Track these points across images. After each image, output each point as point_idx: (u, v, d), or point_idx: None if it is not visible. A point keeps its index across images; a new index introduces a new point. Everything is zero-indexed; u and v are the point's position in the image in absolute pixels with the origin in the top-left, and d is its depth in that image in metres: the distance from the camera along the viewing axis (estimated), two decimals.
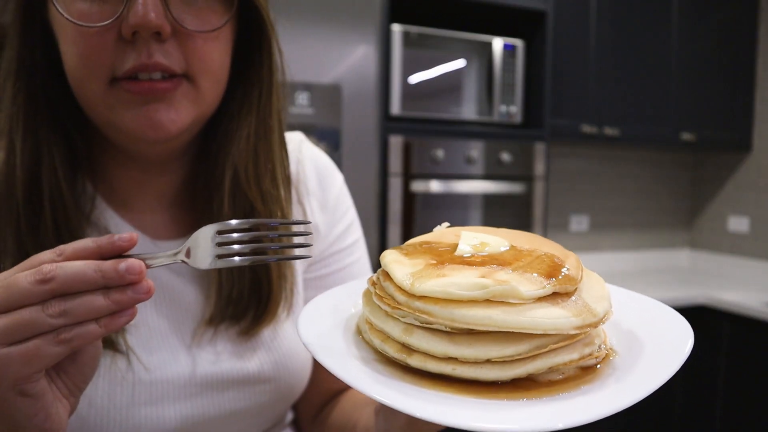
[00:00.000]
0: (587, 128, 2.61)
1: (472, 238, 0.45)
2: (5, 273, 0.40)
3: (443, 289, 0.39)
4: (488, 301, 0.38)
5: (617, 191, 3.20)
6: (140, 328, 0.61)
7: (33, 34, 0.56)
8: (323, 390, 0.73)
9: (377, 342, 0.42)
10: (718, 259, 3.19)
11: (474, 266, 0.41)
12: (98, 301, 0.38)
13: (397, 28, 2.15)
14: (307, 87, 1.92)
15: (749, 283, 2.87)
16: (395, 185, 2.10)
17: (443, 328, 0.39)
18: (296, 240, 0.66)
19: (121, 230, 0.63)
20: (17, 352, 0.37)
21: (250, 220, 0.44)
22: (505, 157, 2.31)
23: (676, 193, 3.38)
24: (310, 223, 0.50)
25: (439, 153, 2.19)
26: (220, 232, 0.42)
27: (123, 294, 0.39)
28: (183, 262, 0.42)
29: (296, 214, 0.70)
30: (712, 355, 2.58)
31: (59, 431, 0.41)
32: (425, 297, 0.39)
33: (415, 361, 0.40)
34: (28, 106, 0.56)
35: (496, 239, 0.45)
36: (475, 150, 2.27)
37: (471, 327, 0.38)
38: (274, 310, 0.65)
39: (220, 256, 0.42)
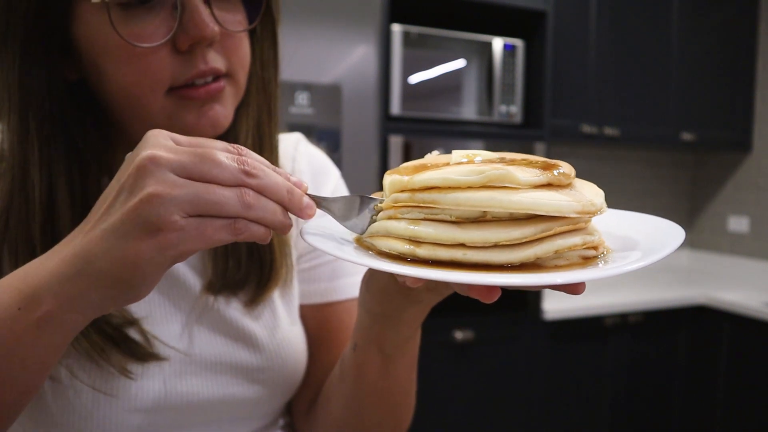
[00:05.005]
0: (587, 128, 2.61)
1: (464, 152, 0.46)
2: (171, 140, 0.40)
3: (441, 176, 0.40)
4: (485, 187, 0.39)
5: (617, 191, 3.20)
6: (140, 305, 0.62)
7: (50, 57, 0.54)
8: (316, 381, 0.74)
9: (382, 242, 0.42)
10: (718, 259, 3.19)
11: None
12: (279, 214, 0.41)
13: (397, 28, 2.15)
14: (307, 87, 1.92)
15: (749, 283, 2.87)
16: None
17: (449, 218, 0.40)
18: None
19: None
20: (196, 228, 0.38)
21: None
22: None
23: (676, 193, 3.38)
24: None
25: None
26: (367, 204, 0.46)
27: (293, 218, 0.42)
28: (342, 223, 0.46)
29: None
30: (712, 355, 2.58)
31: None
32: (427, 189, 0.40)
33: (424, 251, 0.40)
34: (42, 133, 0.54)
35: (487, 152, 0.47)
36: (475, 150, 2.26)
37: (476, 208, 0.39)
38: (277, 276, 0.66)
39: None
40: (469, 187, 0.39)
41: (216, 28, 0.54)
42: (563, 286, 0.36)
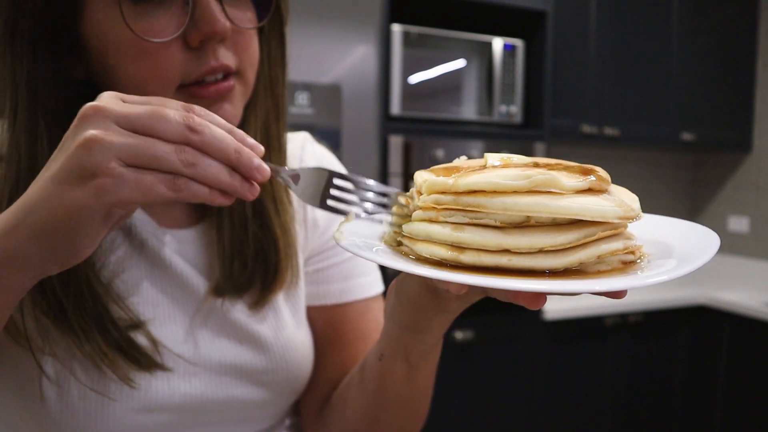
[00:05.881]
0: (587, 128, 2.61)
1: (498, 155, 0.46)
2: (139, 98, 0.41)
3: (488, 180, 0.39)
4: (531, 192, 0.39)
5: None
6: (145, 307, 0.62)
7: (59, 55, 0.54)
8: (326, 382, 0.74)
9: (424, 248, 0.42)
10: (718, 259, 3.19)
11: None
12: (224, 175, 0.40)
13: (397, 28, 2.15)
14: (307, 87, 1.92)
15: (749, 283, 2.87)
16: (395, 185, 2.10)
17: (493, 223, 0.40)
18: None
19: (135, 219, 0.62)
20: (133, 178, 0.38)
21: (355, 176, 0.47)
22: None
23: (676, 193, 3.38)
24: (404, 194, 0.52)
25: (439, 153, 2.19)
26: (331, 180, 0.45)
27: (242, 183, 0.41)
28: (292, 187, 0.45)
29: (297, 209, 0.72)
30: (712, 355, 2.58)
31: (75, 264, 0.42)
32: (471, 193, 0.40)
33: (468, 257, 0.39)
34: (51, 137, 0.54)
35: (521, 156, 0.46)
36: (475, 150, 2.27)
37: (523, 213, 0.39)
38: (281, 279, 0.66)
39: (325, 200, 0.45)
40: (515, 192, 0.39)
41: (227, 23, 0.54)
42: (608, 292, 0.37)
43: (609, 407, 2.55)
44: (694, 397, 2.66)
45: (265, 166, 0.42)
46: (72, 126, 0.39)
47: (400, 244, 0.45)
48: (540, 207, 0.38)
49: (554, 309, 2.35)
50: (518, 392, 2.37)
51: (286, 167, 0.45)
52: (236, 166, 0.41)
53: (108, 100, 0.40)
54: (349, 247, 0.42)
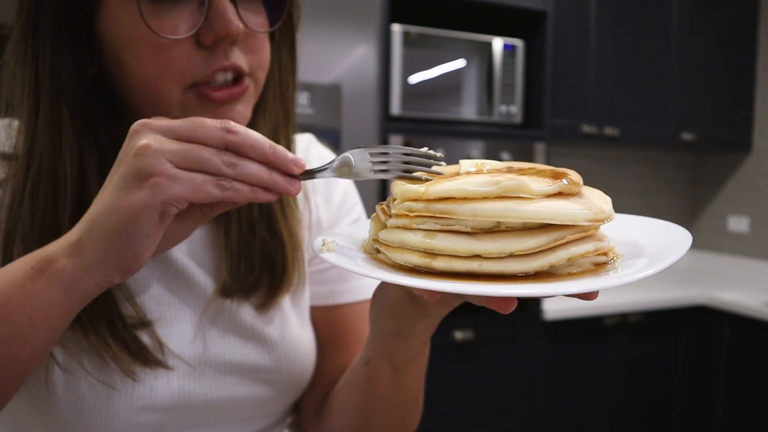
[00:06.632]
0: (587, 128, 2.61)
1: (472, 162, 0.47)
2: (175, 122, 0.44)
3: (458, 187, 0.40)
4: (500, 198, 0.40)
5: (617, 191, 3.20)
6: (153, 306, 0.62)
7: (78, 48, 0.56)
8: (327, 381, 0.74)
9: (397, 255, 0.42)
10: (718, 259, 3.19)
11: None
12: (263, 171, 0.44)
13: (397, 28, 2.16)
14: (307, 87, 1.92)
15: (749, 283, 2.87)
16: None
17: (464, 229, 0.40)
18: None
19: None
20: (185, 177, 0.42)
21: (391, 146, 0.49)
22: (506, 157, 2.31)
23: (676, 193, 3.38)
24: (442, 156, 0.53)
25: (439, 153, 2.19)
26: (371, 153, 0.48)
27: (281, 178, 0.45)
28: (340, 176, 0.47)
29: (302, 210, 0.72)
30: (712, 355, 2.58)
31: (136, 270, 0.45)
32: (442, 200, 0.41)
33: (440, 263, 0.40)
34: (74, 127, 0.55)
35: (495, 162, 0.47)
36: (475, 150, 2.27)
37: (493, 219, 0.39)
38: (288, 282, 0.67)
39: (375, 171, 0.47)
40: (485, 198, 0.40)
41: (240, 25, 0.55)
42: (578, 294, 0.37)
43: (609, 407, 2.56)
44: (694, 397, 2.66)
45: (301, 159, 0.45)
46: (125, 142, 0.44)
47: (378, 251, 0.45)
48: (509, 212, 0.39)
49: (554, 309, 2.35)
50: (518, 392, 2.37)
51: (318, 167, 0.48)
52: (273, 161, 0.44)
53: (151, 119, 0.44)
54: (325, 257, 0.43)
